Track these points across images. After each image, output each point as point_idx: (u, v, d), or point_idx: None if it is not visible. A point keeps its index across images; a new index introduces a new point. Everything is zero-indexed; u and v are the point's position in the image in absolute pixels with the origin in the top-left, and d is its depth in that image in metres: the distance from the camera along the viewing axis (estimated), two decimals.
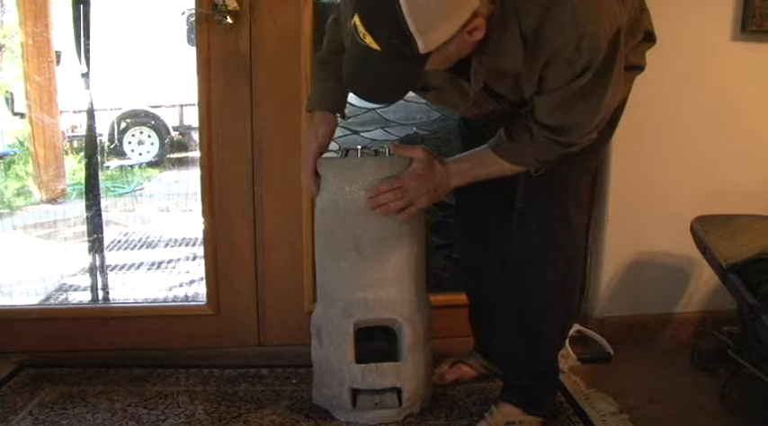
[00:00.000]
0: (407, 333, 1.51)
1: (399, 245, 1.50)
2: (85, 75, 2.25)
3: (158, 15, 4.37)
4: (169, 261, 3.10)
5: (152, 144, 4.97)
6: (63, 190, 3.63)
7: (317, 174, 1.49)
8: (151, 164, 4.84)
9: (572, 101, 1.21)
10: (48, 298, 2.56)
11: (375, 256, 1.48)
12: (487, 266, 1.63)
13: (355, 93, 1.21)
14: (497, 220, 1.51)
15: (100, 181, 2.59)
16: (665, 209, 1.97)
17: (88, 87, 2.29)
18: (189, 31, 3.96)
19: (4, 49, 3.65)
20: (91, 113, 2.41)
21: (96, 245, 2.52)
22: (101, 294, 2.51)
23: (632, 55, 1.35)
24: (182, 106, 5.06)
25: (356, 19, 1.08)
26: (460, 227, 1.72)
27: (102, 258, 2.57)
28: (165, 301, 2.55)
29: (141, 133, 4.97)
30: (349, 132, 2.01)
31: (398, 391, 1.54)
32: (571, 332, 1.87)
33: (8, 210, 3.70)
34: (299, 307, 1.94)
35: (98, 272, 2.53)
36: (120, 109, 4.89)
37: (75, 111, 3.70)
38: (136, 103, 4.95)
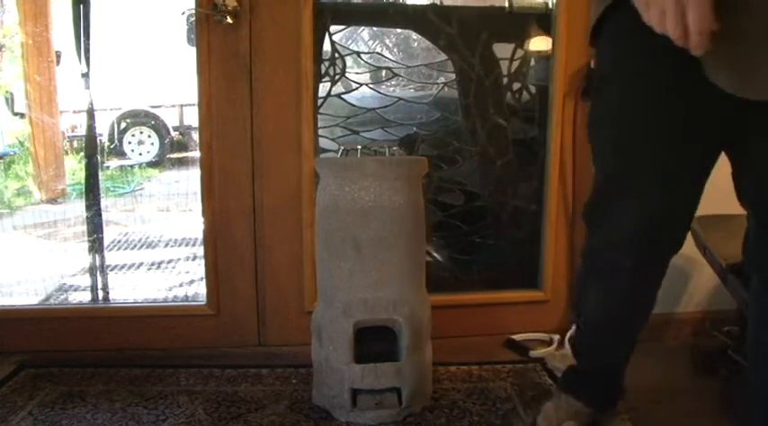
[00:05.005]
0: (407, 333, 1.51)
1: (399, 245, 1.50)
2: (85, 75, 2.25)
3: (158, 15, 4.38)
4: (169, 261, 3.10)
5: (152, 144, 4.98)
6: (63, 190, 3.64)
7: (316, 175, 1.46)
8: (151, 164, 4.85)
9: None
10: (48, 298, 2.55)
11: (375, 256, 1.49)
12: None
13: None
14: None
15: (100, 181, 2.59)
16: None
17: (88, 87, 2.28)
18: (189, 31, 3.97)
19: (4, 49, 3.65)
20: (91, 113, 2.41)
21: (96, 245, 2.52)
22: (101, 294, 2.50)
23: None
24: (182, 106, 5.08)
25: None
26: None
27: (102, 258, 2.57)
28: (165, 301, 2.55)
29: (141, 133, 4.98)
30: (349, 132, 2.01)
31: (398, 391, 1.54)
32: (571, 332, 1.87)
33: (8, 210, 3.71)
34: (299, 307, 1.94)
35: (98, 272, 2.53)
36: (120, 109, 4.90)
37: (75, 111, 3.71)
38: (136, 103, 4.96)
